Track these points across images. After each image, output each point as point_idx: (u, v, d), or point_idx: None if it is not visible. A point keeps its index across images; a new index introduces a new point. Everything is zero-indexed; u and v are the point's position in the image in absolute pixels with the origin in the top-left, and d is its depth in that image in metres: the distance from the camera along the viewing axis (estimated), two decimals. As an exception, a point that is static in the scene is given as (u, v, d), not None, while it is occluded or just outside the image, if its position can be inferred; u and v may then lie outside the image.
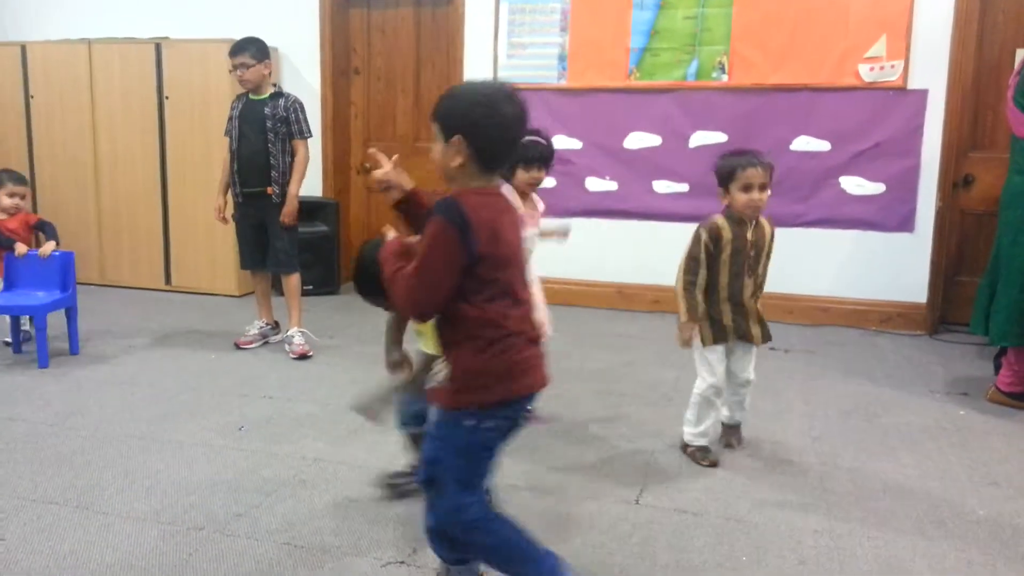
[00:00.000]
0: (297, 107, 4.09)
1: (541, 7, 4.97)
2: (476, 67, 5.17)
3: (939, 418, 3.29)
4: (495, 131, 1.63)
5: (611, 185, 5.00)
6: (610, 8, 4.83)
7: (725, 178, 2.65)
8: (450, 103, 1.66)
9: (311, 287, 5.33)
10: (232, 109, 4.16)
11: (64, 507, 2.43)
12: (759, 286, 2.81)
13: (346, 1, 5.59)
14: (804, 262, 4.68)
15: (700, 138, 4.81)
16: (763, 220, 2.75)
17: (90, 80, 5.48)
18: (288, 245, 4.14)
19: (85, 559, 2.15)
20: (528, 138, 2.66)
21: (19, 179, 4.13)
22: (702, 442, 2.82)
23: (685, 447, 2.86)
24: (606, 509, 2.47)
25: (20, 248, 3.94)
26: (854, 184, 4.66)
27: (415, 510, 2.41)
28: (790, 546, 2.26)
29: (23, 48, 5.62)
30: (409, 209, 1.88)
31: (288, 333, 4.15)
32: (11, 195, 4.05)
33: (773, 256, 2.83)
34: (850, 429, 3.16)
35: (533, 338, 1.75)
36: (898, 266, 4.68)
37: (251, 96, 4.10)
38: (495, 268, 1.64)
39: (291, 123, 4.07)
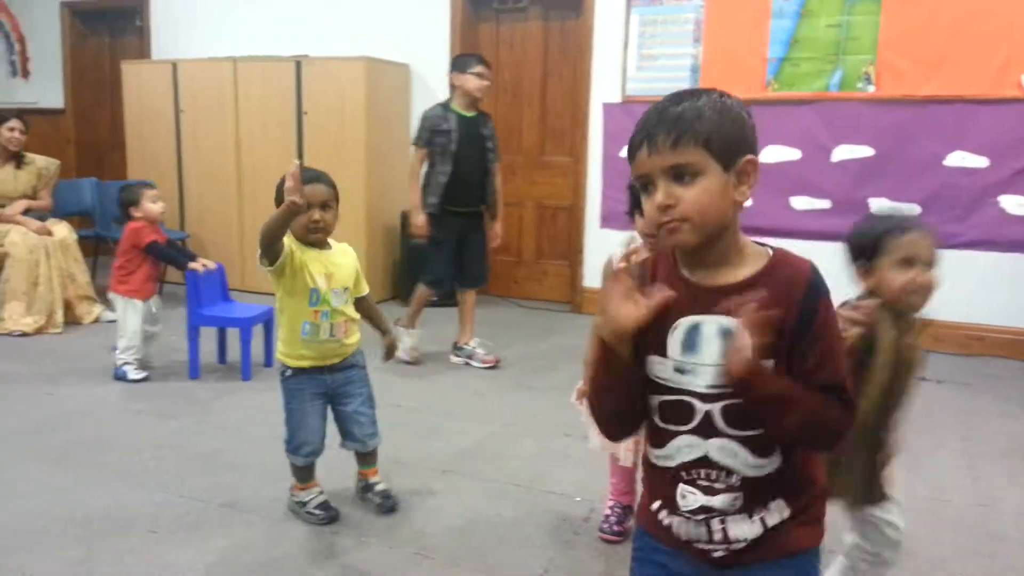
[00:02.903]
0: (494, 129, 4.14)
1: (673, 18, 4.87)
2: (604, 79, 5.11)
3: (1119, 462, 2.97)
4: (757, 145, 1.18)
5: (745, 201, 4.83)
6: (747, 17, 4.67)
7: (867, 248, 1.69)
8: (722, 119, 1.11)
9: (436, 300, 5.39)
10: (439, 120, 3.94)
11: (209, 504, 2.51)
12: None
13: (476, 16, 5.66)
14: (957, 286, 4.30)
15: (844, 152, 4.56)
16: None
17: (235, 96, 5.77)
18: (487, 261, 4.21)
19: (230, 557, 2.21)
20: None
21: (152, 185, 3.95)
22: None
23: None
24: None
25: (202, 264, 3.82)
26: (1015, 203, 4.30)
27: (547, 531, 2.38)
28: (956, 596, 2.07)
29: (174, 65, 5.98)
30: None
31: (471, 346, 4.15)
32: (155, 200, 3.77)
33: None
34: (1012, 470, 2.88)
35: None
36: (1064, 292, 4.28)
37: (462, 113, 3.97)
38: None
39: (497, 145, 4.12)
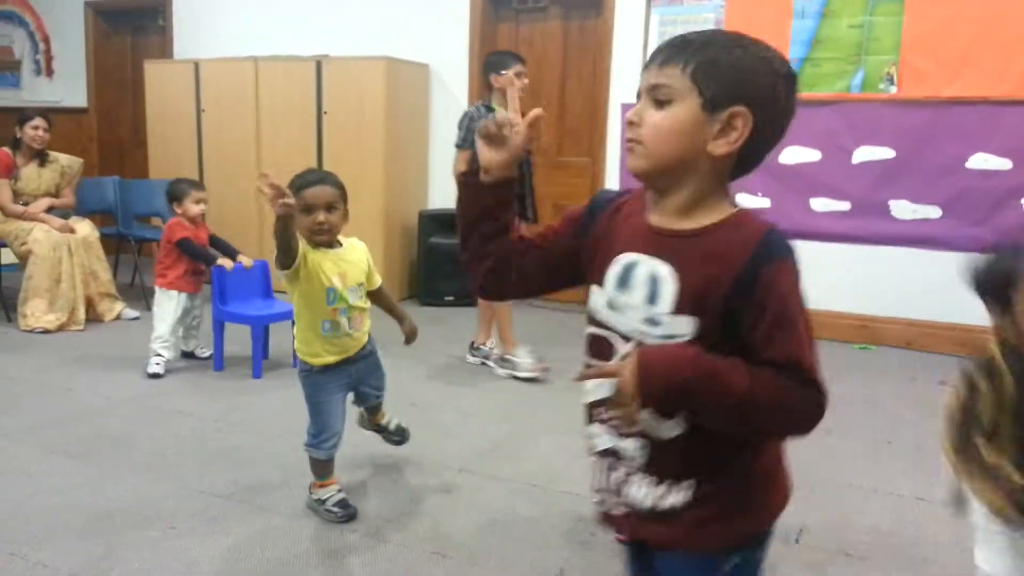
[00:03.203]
0: None
1: (694, 18, 4.85)
2: (623, 79, 5.10)
3: None
4: (781, 117, 1.07)
5: (763, 202, 4.79)
6: (768, 17, 4.64)
7: (1006, 281, 1.40)
8: (730, 57, 1.03)
9: (451, 298, 5.41)
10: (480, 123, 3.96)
11: (228, 500, 2.53)
12: None
13: (496, 16, 5.66)
14: (978, 289, 4.30)
15: (865, 153, 4.53)
16: None
17: (256, 95, 5.80)
18: None
19: (247, 553, 2.23)
20: None
21: (201, 186, 4.06)
22: None
23: None
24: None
25: (233, 262, 3.95)
26: (1039, 206, 4.25)
27: (563, 531, 2.37)
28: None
29: (196, 65, 6.02)
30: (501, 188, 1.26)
31: (488, 346, 4.11)
32: (197, 202, 3.90)
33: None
34: None
35: None
36: (1090, 297, 4.21)
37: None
38: None
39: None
